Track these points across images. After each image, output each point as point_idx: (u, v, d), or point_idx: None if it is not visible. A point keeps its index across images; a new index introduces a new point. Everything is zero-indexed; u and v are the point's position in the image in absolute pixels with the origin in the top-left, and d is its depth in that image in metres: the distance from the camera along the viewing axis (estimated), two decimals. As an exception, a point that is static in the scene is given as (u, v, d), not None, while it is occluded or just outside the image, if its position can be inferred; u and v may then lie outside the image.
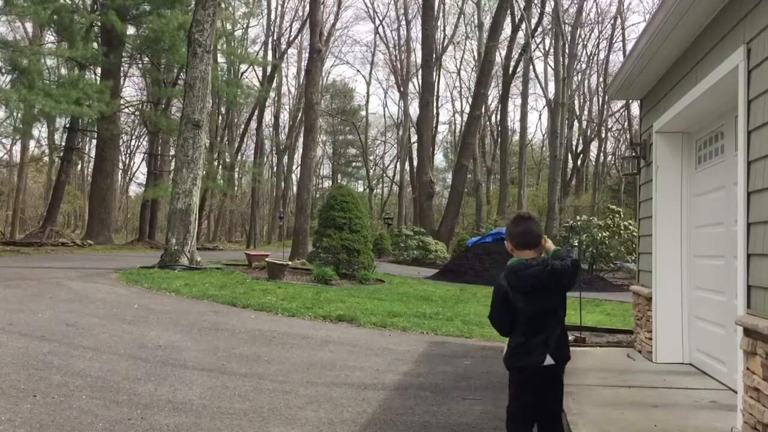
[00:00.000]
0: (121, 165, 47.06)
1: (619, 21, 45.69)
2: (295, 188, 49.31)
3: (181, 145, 16.31)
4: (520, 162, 47.19)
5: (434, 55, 39.99)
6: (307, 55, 31.31)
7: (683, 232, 6.67)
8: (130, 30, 30.95)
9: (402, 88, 47.62)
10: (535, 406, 3.32)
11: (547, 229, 32.31)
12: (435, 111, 47.47)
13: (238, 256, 21.96)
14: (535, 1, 38.16)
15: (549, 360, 3.25)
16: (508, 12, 36.50)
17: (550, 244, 3.42)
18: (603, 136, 50.27)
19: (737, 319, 4.13)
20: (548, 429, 3.39)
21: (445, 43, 49.59)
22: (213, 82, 19.93)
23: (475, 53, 45.94)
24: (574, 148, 47.54)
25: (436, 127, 50.40)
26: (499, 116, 49.06)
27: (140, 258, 19.49)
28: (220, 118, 43.55)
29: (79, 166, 50.80)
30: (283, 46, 48.17)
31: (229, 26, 41.33)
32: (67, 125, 30.75)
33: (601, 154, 51.76)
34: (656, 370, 6.39)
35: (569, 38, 37.38)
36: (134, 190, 57.58)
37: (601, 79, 46.15)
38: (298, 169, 38.04)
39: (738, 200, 4.30)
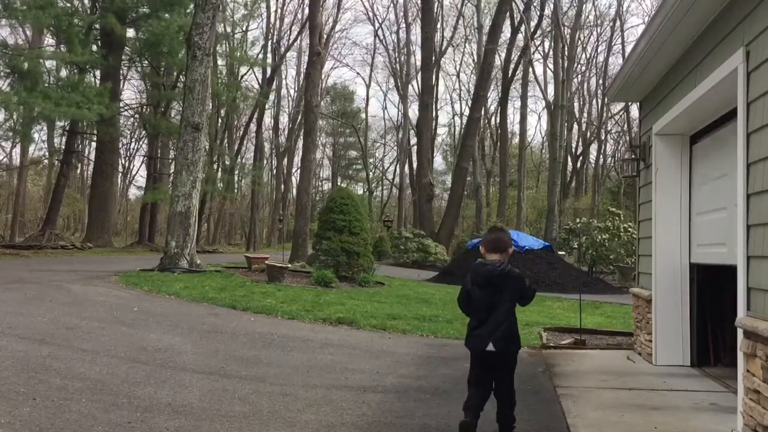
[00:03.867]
0: (120, 168, 47.04)
1: (618, 23, 45.81)
2: (294, 191, 49.43)
3: (180, 148, 16.31)
4: (519, 164, 47.23)
5: (434, 58, 40.03)
6: (306, 57, 31.36)
7: (683, 234, 6.67)
8: (130, 33, 30.99)
9: (401, 91, 47.66)
10: (479, 378, 4.19)
11: (546, 231, 32.34)
12: (434, 113, 47.51)
13: (238, 259, 21.95)
14: (535, 4, 38.25)
15: (490, 347, 4.06)
16: (508, 14, 36.55)
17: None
18: (602, 138, 50.35)
19: (737, 322, 4.13)
20: (500, 409, 4.20)
21: (445, 46, 49.68)
22: (212, 85, 19.94)
23: (475, 56, 45.99)
24: (573, 150, 47.57)
25: (436, 129, 50.47)
26: (498, 119, 49.13)
27: (140, 261, 19.48)
28: (220, 120, 43.55)
29: (79, 169, 50.83)
30: (283, 49, 48.24)
31: (228, 29, 41.43)
32: (67, 128, 30.73)
33: (601, 157, 51.87)
34: (656, 372, 6.39)
35: (568, 41, 37.45)
36: (134, 193, 57.61)
37: (600, 82, 46.22)
38: (298, 171, 38.07)
39: (737, 202, 4.30)
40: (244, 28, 46.11)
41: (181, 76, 31.53)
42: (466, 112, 46.44)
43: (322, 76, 40.23)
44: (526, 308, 9.99)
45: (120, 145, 42.29)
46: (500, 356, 4.12)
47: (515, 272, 4.26)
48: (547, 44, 45.56)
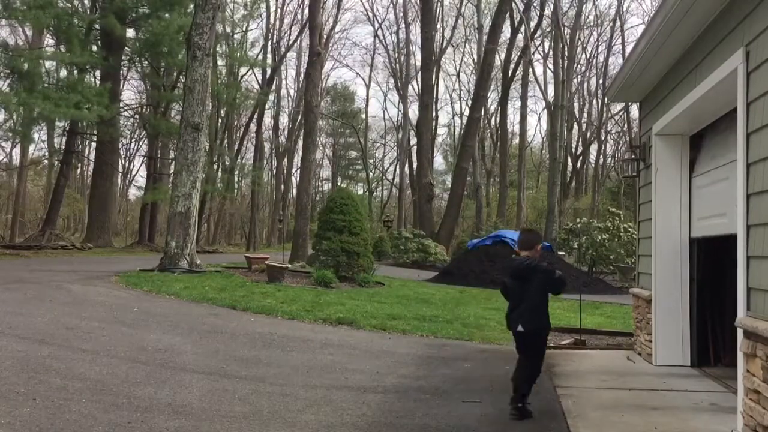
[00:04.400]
0: (120, 168, 47.00)
1: (618, 24, 45.78)
2: (294, 191, 49.41)
3: (180, 148, 16.31)
4: (519, 164, 47.24)
5: (433, 58, 40.01)
6: (306, 57, 31.36)
7: (682, 234, 6.67)
8: (130, 33, 30.97)
9: (401, 91, 47.62)
10: (519, 350, 5.07)
11: (546, 231, 32.32)
12: (434, 114, 47.48)
13: (238, 259, 21.94)
14: (535, 4, 38.23)
15: (520, 328, 4.89)
16: (508, 15, 36.54)
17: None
18: (602, 138, 50.33)
19: (737, 322, 4.13)
20: (526, 360, 4.95)
21: (445, 46, 49.66)
22: (212, 86, 19.94)
23: (475, 56, 45.98)
24: (573, 150, 47.55)
25: (436, 129, 50.44)
26: (498, 119, 49.12)
27: (140, 261, 19.47)
28: (220, 121, 43.52)
29: (79, 170, 50.79)
30: (283, 49, 48.20)
31: (228, 29, 41.41)
32: (67, 128, 30.72)
33: (601, 157, 51.85)
34: (656, 372, 6.39)
35: (568, 41, 37.44)
36: (134, 193, 57.55)
37: (600, 82, 46.20)
38: (298, 171, 38.07)
39: (737, 203, 4.30)
40: (244, 29, 46.12)
41: (181, 77, 31.50)
42: (466, 112, 46.47)
43: (322, 77, 40.23)
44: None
45: (120, 146, 42.28)
46: (528, 336, 4.91)
47: (542, 266, 4.96)
48: (547, 44, 45.59)
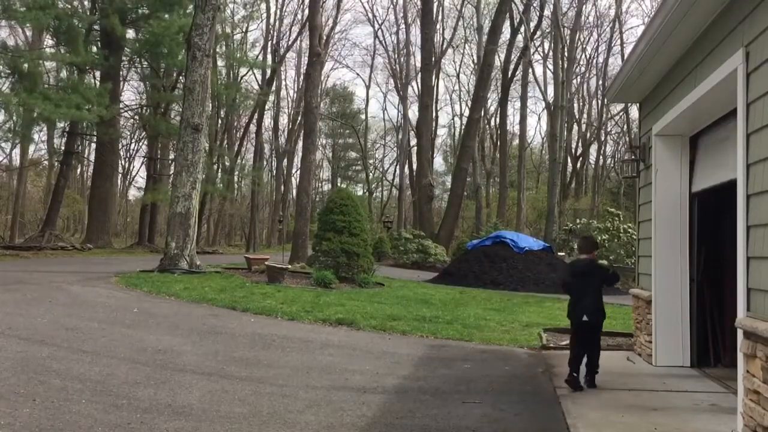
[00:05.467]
0: (120, 169, 47.02)
1: (617, 24, 45.70)
2: (294, 192, 49.36)
3: (180, 149, 16.31)
4: (519, 165, 47.20)
5: (433, 59, 40.00)
6: (306, 58, 31.34)
7: (682, 234, 6.67)
8: (130, 34, 30.96)
9: (401, 92, 47.60)
10: (579, 339, 6.00)
11: (546, 232, 32.32)
12: (434, 114, 47.46)
13: (238, 260, 21.94)
14: (534, 5, 38.21)
15: (585, 318, 5.89)
16: (507, 15, 36.53)
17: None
18: (602, 139, 50.31)
19: (737, 322, 4.13)
20: (588, 356, 5.89)
21: (444, 47, 49.62)
22: (212, 86, 19.93)
23: (474, 56, 45.93)
24: (573, 151, 47.53)
25: (436, 130, 50.43)
26: (498, 119, 49.10)
27: (140, 262, 19.47)
28: (220, 121, 43.50)
29: (79, 170, 50.78)
30: (283, 50, 48.17)
31: (228, 30, 41.39)
32: (67, 129, 30.72)
33: (601, 157, 51.80)
34: (656, 373, 6.39)
35: (568, 41, 37.43)
36: (134, 193, 57.52)
37: (600, 83, 46.16)
38: (298, 172, 38.04)
39: (738, 203, 4.30)
40: (243, 29, 46.14)
41: (180, 77, 31.49)
42: (466, 112, 46.44)
43: (322, 77, 40.19)
44: (525, 309, 10.65)
45: (120, 146, 42.30)
46: (590, 323, 5.90)
47: (600, 265, 6.44)
48: (546, 45, 45.55)
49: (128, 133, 47.55)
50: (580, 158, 49.15)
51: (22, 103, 21.63)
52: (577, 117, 48.17)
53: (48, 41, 31.41)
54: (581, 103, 49.91)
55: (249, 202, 54.13)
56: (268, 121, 54.30)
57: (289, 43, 48.41)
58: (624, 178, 12.52)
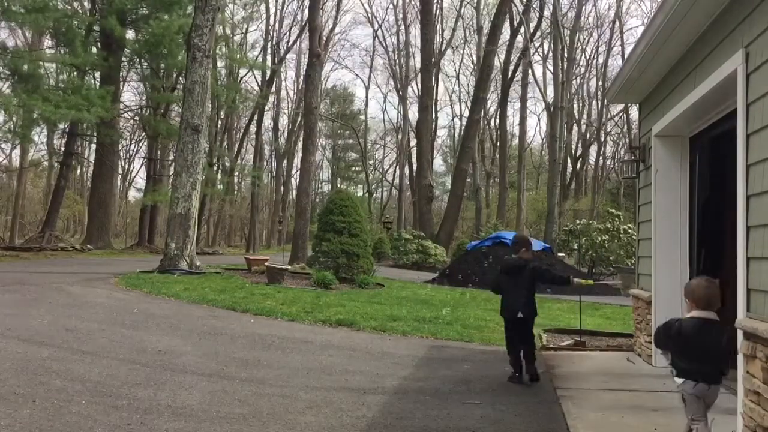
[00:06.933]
0: (120, 170, 47.07)
1: (617, 25, 45.81)
2: (294, 192, 49.37)
3: (180, 150, 16.31)
4: (519, 166, 47.25)
5: (433, 59, 40.01)
6: (306, 59, 31.35)
7: (682, 235, 6.67)
8: (129, 35, 30.96)
9: (401, 93, 47.65)
10: (514, 337, 6.29)
11: (546, 232, 32.34)
12: (434, 115, 47.46)
13: (238, 261, 21.93)
14: (534, 5, 38.24)
15: (520, 314, 6.15)
16: (507, 16, 36.54)
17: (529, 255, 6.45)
18: (602, 139, 50.33)
19: (737, 323, 4.13)
20: (525, 351, 6.17)
21: (444, 48, 49.65)
22: (212, 87, 19.94)
23: (474, 57, 46.00)
24: (573, 151, 47.54)
25: (436, 131, 50.42)
26: (498, 120, 49.11)
27: (140, 262, 19.46)
28: (219, 122, 43.50)
29: (79, 171, 50.80)
30: (282, 51, 48.19)
31: (228, 31, 41.41)
32: (67, 130, 30.72)
33: (601, 158, 51.86)
34: (656, 373, 6.39)
35: (568, 42, 37.46)
36: (133, 194, 57.57)
37: (600, 83, 46.19)
38: (298, 173, 38.05)
39: (737, 203, 4.30)
40: (243, 30, 46.16)
41: (180, 78, 31.50)
42: (466, 113, 46.39)
43: (322, 78, 40.21)
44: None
45: (120, 147, 42.27)
46: (525, 319, 6.20)
47: (528, 263, 6.31)
48: (546, 46, 45.55)
49: (128, 134, 47.58)
50: (580, 159, 49.18)
51: (22, 104, 21.62)
52: (576, 118, 48.19)
53: (48, 42, 31.44)
54: (581, 104, 49.97)
55: (249, 202, 54.12)
56: (267, 121, 54.38)
57: (289, 44, 48.47)
58: (624, 179, 12.54)
